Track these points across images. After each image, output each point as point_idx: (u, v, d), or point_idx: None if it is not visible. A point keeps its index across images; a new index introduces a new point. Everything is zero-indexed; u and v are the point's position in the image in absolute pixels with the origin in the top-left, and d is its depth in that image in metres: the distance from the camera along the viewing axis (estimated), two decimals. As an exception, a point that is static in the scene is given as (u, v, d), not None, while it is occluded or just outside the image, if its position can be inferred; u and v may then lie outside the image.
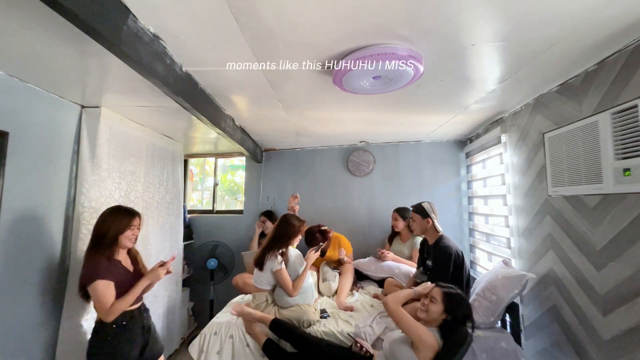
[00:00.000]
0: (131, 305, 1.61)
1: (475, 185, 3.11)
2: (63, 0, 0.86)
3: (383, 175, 3.44)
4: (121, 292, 1.57)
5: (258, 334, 1.96)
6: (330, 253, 2.93)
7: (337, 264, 2.93)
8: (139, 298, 1.70)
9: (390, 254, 2.72)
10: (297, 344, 1.86)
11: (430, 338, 1.48)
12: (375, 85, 1.57)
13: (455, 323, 1.55)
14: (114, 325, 1.54)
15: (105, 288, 1.51)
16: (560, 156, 1.75)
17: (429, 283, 1.78)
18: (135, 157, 2.41)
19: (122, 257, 1.69)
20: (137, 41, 1.16)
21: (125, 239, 1.63)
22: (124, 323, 1.57)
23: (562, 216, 1.77)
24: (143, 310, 1.73)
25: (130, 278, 1.65)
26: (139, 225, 1.71)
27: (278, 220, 2.25)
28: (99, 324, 1.57)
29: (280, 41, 1.29)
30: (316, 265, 2.89)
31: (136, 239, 1.72)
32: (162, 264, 1.71)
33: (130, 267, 1.71)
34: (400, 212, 2.89)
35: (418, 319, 1.60)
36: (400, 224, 2.88)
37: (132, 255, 1.77)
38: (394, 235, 3.03)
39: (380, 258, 2.74)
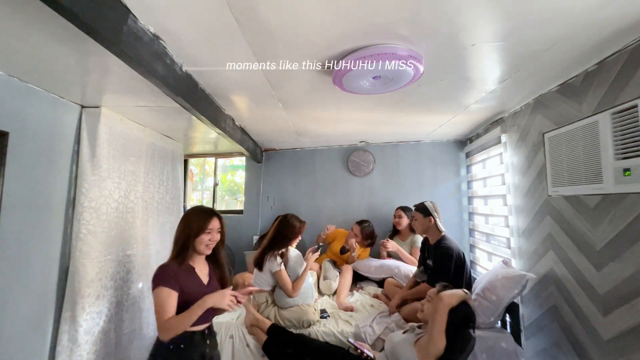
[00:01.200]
0: (193, 325, 1.32)
1: (475, 185, 3.11)
2: (63, 0, 0.86)
3: (383, 175, 3.44)
4: (186, 305, 1.31)
5: (259, 333, 1.96)
6: (336, 246, 3.00)
7: (342, 261, 2.95)
8: (205, 319, 1.39)
9: (392, 243, 2.73)
10: (295, 347, 1.86)
11: (442, 345, 1.42)
12: (375, 85, 1.57)
13: (457, 325, 1.48)
14: (170, 347, 1.30)
15: (165, 297, 1.29)
16: (560, 156, 1.75)
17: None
18: (135, 157, 2.41)
19: (199, 264, 1.47)
20: (137, 41, 1.16)
21: (200, 244, 1.42)
22: (182, 346, 1.32)
23: (562, 216, 1.77)
24: (208, 335, 1.44)
25: (201, 291, 1.38)
26: (219, 228, 1.48)
27: (278, 221, 2.24)
28: (156, 345, 1.35)
29: (280, 41, 1.29)
30: (319, 262, 2.92)
31: (218, 243, 1.50)
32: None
33: (205, 278, 1.46)
34: (405, 209, 2.93)
35: (418, 319, 1.59)
36: (404, 222, 2.90)
37: (215, 263, 1.55)
38: (394, 233, 3.06)
39: (382, 246, 2.74)
